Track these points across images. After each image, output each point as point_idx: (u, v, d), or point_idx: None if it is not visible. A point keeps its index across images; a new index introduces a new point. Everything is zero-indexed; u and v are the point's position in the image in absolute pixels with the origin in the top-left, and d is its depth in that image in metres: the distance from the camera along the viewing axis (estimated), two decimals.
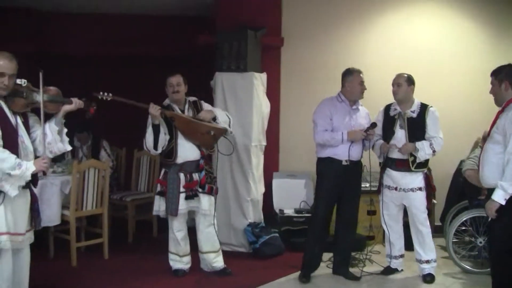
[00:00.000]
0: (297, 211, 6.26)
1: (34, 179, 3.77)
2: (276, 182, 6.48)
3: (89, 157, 6.49)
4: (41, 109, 3.72)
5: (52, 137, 3.85)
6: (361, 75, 4.97)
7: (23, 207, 3.76)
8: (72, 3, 7.24)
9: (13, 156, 3.54)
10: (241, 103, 5.83)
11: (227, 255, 5.72)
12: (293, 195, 6.47)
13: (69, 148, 4.02)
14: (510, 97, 3.88)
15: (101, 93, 4.51)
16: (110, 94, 4.53)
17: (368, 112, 5.16)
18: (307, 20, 6.60)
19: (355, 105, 5.04)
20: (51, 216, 5.20)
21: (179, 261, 5.13)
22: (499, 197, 3.75)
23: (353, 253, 5.52)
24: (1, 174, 3.51)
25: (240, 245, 5.90)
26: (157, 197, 5.07)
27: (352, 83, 4.95)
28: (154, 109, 4.68)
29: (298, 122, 6.53)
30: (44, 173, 3.85)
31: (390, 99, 5.09)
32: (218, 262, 5.16)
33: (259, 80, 5.89)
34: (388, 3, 6.76)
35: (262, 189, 6.13)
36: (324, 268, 5.27)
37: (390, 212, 5.13)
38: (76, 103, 3.96)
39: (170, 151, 4.92)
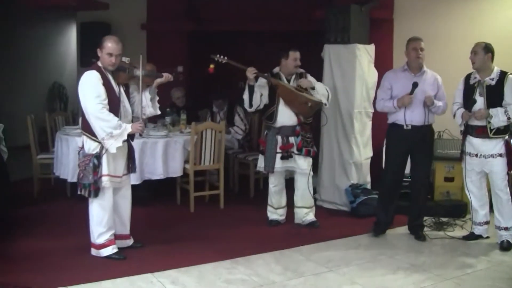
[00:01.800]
0: (407, 175, 6.49)
1: (131, 136, 4.77)
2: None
3: (226, 121, 7.47)
4: (140, 81, 4.71)
5: (145, 102, 4.84)
6: (416, 41, 5.21)
7: (121, 156, 4.77)
8: None
9: (116, 118, 4.55)
10: (345, 72, 6.24)
11: (330, 212, 6.40)
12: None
13: (158, 112, 5.02)
14: None
15: (218, 55, 5.36)
16: (226, 58, 5.34)
17: (438, 78, 5.33)
18: None
19: (419, 72, 5.23)
20: (175, 168, 6.27)
21: (274, 213, 5.83)
22: None
23: (448, 219, 5.74)
24: (104, 134, 4.51)
25: (342, 204, 6.38)
26: (260, 155, 5.81)
27: (407, 49, 5.25)
28: (249, 72, 5.34)
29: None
30: (140, 135, 4.86)
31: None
32: (308, 216, 5.76)
33: (364, 51, 6.22)
34: None
35: (369, 153, 6.49)
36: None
37: (472, 179, 5.22)
38: (166, 77, 4.91)
39: (271, 115, 5.58)
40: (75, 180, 5.23)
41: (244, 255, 4.90)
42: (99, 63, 4.66)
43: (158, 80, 4.91)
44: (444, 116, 5.46)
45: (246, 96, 5.51)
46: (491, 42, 5.18)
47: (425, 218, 5.73)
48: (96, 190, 4.61)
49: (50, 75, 10.66)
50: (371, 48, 6.34)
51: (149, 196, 6.60)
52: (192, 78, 8.30)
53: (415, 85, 5.15)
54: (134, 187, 6.01)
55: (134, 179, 5.95)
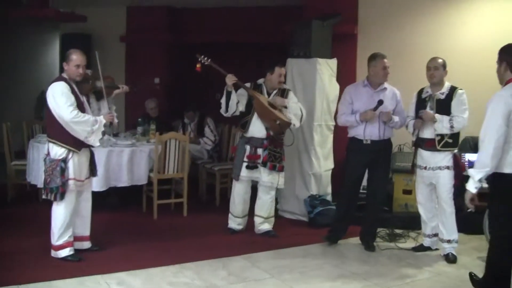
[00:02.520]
0: (363, 187, 6.64)
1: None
2: None
3: (196, 132, 7.69)
4: (103, 92, 5.07)
5: (104, 111, 5.09)
6: (384, 60, 5.33)
7: (85, 160, 5.04)
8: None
9: (89, 116, 4.86)
10: (306, 86, 6.43)
11: (289, 221, 6.57)
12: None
13: (116, 120, 5.21)
14: (508, 78, 3.92)
15: (202, 56, 5.61)
16: (209, 60, 5.58)
17: (396, 93, 5.51)
18: (383, 8, 6.91)
19: (379, 87, 5.38)
20: (140, 176, 6.50)
21: (233, 221, 5.99)
22: (469, 186, 3.92)
23: (403, 230, 5.90)
24: (86, 133, 4.80)
25: (301, 214, 6.54)
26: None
27: (375, 67, 5.35)
28: (229, 79, 5.54)
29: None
30: (111, 123, 5.13)
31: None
32: (263, 225, 5.93)
33: (325, 65, 6.40)
34: None
35: (329, 165, 6.65)
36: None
37: (422, 191, 5.38)
38: (123, 89, 5.34)
39: (245, 123, 5.78)
40: None
41: (193, 260, 5.06)
42: (64, 75, 4.91)
43: (117, 91, 5.28)
44: (405, 129, 5.61)
45: (223, 100, 5.69)
46: (448, 55, 5.41)
47: (379, 229, 5.89)
48: (63, 193, 4.85)
49: (38, 84, 10.91)
50: (333, 62, 6.52)
51: (117, 203, 6.82)
52: (168, 90, 8.50)
53: (380, 102, 5.31)
54: (102, 193, 6.34)
55: (99, 185, 6.22)
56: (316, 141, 6.45)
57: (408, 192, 6.42)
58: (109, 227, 6.07)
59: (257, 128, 5.71)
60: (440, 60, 5.23)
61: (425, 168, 5.26)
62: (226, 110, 5.72)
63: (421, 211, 5.45)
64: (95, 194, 6.30)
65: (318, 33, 6.37)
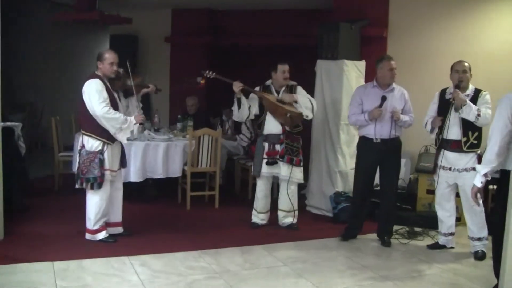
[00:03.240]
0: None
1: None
2: None
3: (233, 128, 8.07)
4: (133, 89, 5.51)
5: (132, 107, 5.53)
6: (391, 62, 5.58)
7: (117, 152, 5.50)
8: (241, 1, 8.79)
9: (121, 114, 5.30)
10: (334, 86, 6.66)
11: (315, 216, 6.85)
12: None
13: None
14: None
15: (207, 71, 5.99)
16: (214, 73, 5.95)
17: (404, 93, 5.72)
18: (413, 12, 7.04)
19: (388, 88, 5.60)
20: (174, 169, 6.92)
21: (256, 216, 6.30)
22: (476, 180, 4.12)
23: (424, 229, 6.05)
24: (115, 129, 5.24)
25: (327, 210, 6.77)
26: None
27: (382, 69, 5.59)
28: (235, 86, 5.87)
29: None
30: (142, 124, 5.62)
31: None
32: (287, 219, 6.21)
33: (352, 67, 6.61)
34: None
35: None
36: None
37: (442, 191, 5.50)
38: (152, 88, 5.79)
39: (260, 124, 6.10)
40: None
41: (215, 247, 5.42)
42: (98, 73, 5.37)
43: (145, 90, 5.72)
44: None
45: (235, 107, 6.02)
46: (472, 59, 5.55)
47: (399, 227, 6.08)
48: (100, 183, 5.31)
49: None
50: (361, 64, 6.73)
51: (155, 194, 7.32)
52: (209, 88, 8.85)
53: (383, 98, 5.53)
54: (142, 185, 6.95)
55: (137, 176, 6.70)
56: (342, 140, 6.66)
57: (432, 192, 6.48)
58: (144, 215, 6.54)
59: (272, 126, 5.99)
60: (466, 64, 5.36)
61: (450, 169, 5.36)
62: (239, 116, 6.06)
63: (438, 210, 5.59)
64: (135, 185, 6.87)
65: (346, 36, 6.59)
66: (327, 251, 5.50)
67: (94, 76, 5.35)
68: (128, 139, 5.64)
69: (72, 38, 9.64)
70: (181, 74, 8.87)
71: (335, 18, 7.11)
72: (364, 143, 5.75)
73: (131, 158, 6.64)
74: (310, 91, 6.47)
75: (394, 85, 5.71)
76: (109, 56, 5.33)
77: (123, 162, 5.64)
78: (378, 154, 5.64)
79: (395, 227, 6.05)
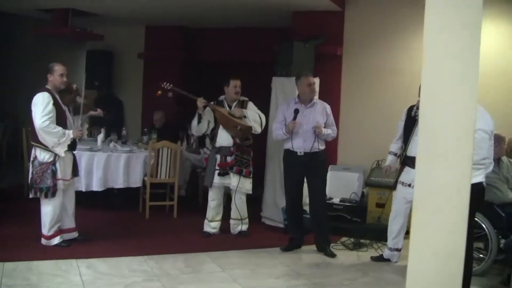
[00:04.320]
0: (342, 200, 7.08)
1: (73, 145, 5.73)
2: (331, 174, 7.31)
3: (197, 142, 8.38)
4: (80, 107, 5.81)
5: (76, 125, 5.85)
6: (309, 78, 5.93)
7: (69, 162, 5.76)
8: (213, 20, 9.11)
9: (60, 128, 5.53)
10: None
11: (268, 227, 7.06)
12: (346, 186, 7.27)
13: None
14: None
15: (165, 83, 6.37)
16: (171, 85, 6.36)
17: (326, 107, 6.03)
18: (368, 30, 7.33)
19: (310, 103, 5.92)
20: (135, 179, 7.23)
21: (208, 225, 6.58)
22: None
23: (370, 241, 6.29)
24: (53, 143, 5.50)
25: (279, 221, 7.01)
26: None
27: (301, 85, 5.95)
28: (199, 102, 6.24)
29: (357, 122, 7.37)
30: (79, 139, 5.84)
31: None
32: (238, 227, 6.52)
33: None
34: None
35: None
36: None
37: (400, 207, 5.62)
38: (98, 111, 6.09)
39: (213, 137, 6.43)
40: None
41: (162, 253, 5.69)
42: (48, 86, 5.65)
43: (92, 112, 6.05)
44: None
45: (195, 122, 6.36)
46: None
47: (345, 238, 6.35)
48: (54, 192, 5.59)
49: None
50: (315, 81, 7.01)
51: (119, 204, 7.60)
52: (178, 103, 9.13)
53: (296, 111, 5.85)
54: (108, 194, 7.23)
55: (99, 186, 6.99)
56: None
57: (381, 205, 6.77)
58: (104, 222, 6.84)
59: (224, 138, 6.33)
60: None
61: (409, 185, 5.43)
62: (197, 131, 6.44)
63: (392, 224, 5.70)
64: (100, 194, 7.15)
65: (300, 54, 6.88)
66: (269, 260, 5.75)
67: (44, 89, 5.61)
68: (91, 150, 5.96)
69: (52, 52, 9.97)
70: (153, 89, 9.16)
71: (293, 36, 7.41)
72: (290, 156, 6.03)
73: (94, 168, 6.95)
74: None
75: (316, 100, 6.04)
76: (58, 68, 5.64)
77: (75, 171, 5.91)
78: (302, 167, 5.92)
79: (343, 239, 6.32)
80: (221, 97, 6.50)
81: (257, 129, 6.36)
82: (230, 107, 6.41)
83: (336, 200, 7.13)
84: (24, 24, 9.14)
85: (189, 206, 7.65)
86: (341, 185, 7.32)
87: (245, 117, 6.32)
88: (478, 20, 3.49)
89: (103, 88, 9.48)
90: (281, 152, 6.93)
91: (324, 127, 5.93)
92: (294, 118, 5.84)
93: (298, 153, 5.92)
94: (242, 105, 6.42)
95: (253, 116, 6.35)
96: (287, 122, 5.94)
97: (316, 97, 6.17)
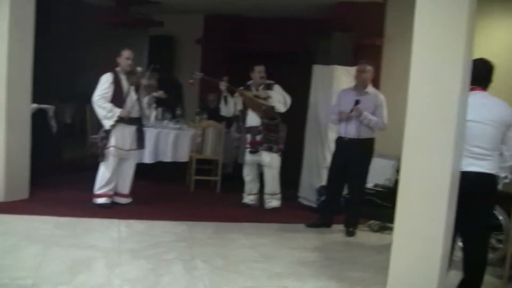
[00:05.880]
0: (375, 185, 7.43)
1: (139, 123, 6.59)
2: None
3: None
4: (141, 88, 6.48)
5: (130, 104, 6.48)
6: (361, 66, 6.25)
7: (128, 134, 6.48)
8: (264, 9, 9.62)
9: (110, 105, 6.29)
10: (325, 89, 7.34)
11: (302, 206, 7.51)
12: (380, 172, 7.59)
13: (151, 114, 7.15)
14: None
15: (196, 73, 7.05)
16: (202, 74, 7.04)
17: (378, 98, 6.30)
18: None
19: (363, 92, 6.24)
20: (182, 154, 7.89)
21: (246, 197, 7.20)
22: None
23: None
24: (102, 116, 6.30)
25: (313, 201, 7.44)
26: None
27: (356, 73, 6.29)
28: (221, 85, 6.86)
29: (394, 111, 7.60)
30: (127, 116, 6.41)
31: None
32: (271, 202, 7.05)
33: (342, 72, 7.23)
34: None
35: None
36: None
37: None
38: (159, 93, 6.73)
39: (243, 118, 6.99)
40: None
41: (196, 221, 6.29)
42: (117, 68, 6.41)
43: (154, 94, 6.65)
44: None
45: (222, 105, 7.00)
46: None
47: (373, 221, 6.68)
48: (103, 156, 6.36)
49: None
50: (352, 70, 7.36)
51: (167, 176, 8.32)
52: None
53: (356, 102, 6.15)
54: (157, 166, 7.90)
55: (149, 158, 7.67)
56: (330, 138, 7.27)
57: None
58: (151, 191, 7.56)
59: (252, 119, 6.89)
60: None
61: None
62: (226, 112, 7.04)
63: None
64: (151, 166, 7.84)
65: (338, 44, 7.27)
66: (292, 233, 6.20)
67: (111, 70, 6.40)
68: (145, 126, 6.66)
69: (119, 37, 10.80)
70: (210, 73, 9.79)
71: (337, 26, 7.77)
72: (337, 140, 6.43)
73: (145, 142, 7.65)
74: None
75: (370, 89, 6.29)
76: (125, 52, 6.43)
77: (139, 144, 6.62)
78: (346, 151, 6.27)
79: (370, 222, 6.67)
80: (249, 82, 7.07)
81: (281, 108, 6.85)
82: (257, 90, 6.94)
83: (369, 185, 7.46)
84: (94, 12, 9.93)
85: (233, 183, 8.18)
86: (376, 171, 7.62)
87: (269, 97, 6.83)
88: (463, 14, 3.81)
89: (164, 72, 10.16)
90: (318, 136, 7.43)
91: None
92: (352, 110, 6.10)
93: (344, 138, 6.26)
94: (268, 87, 6.94)
95: (276, 97, 6.86)
96: (342, 108, 6.25)
97: (370, 87, 6.38)
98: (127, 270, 4.55)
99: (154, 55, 9.86)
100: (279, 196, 7.08)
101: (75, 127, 11.46)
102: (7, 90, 6.27)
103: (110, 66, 6.46)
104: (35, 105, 7.09)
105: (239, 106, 6.98)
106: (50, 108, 7.75)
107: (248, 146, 6.95)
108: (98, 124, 8.45)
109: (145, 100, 6.59)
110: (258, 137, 6.88)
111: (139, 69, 6.57)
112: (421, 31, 4.00)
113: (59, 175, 7.93)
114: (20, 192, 6.50)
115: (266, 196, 7.08)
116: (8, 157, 6.34)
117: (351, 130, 6.20)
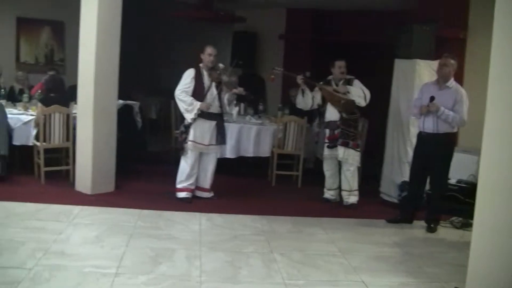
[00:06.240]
0: (458, 180, 7.23)
1: (219, 119, 6.73)
2: None
3: None
4: (222, 84, 6.63)
5: (210, 99, 6.64)
6: (442, 59, 6.11)
7: (207, 129, 6.63)
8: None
9: (190, 98, 6.50)
10: (407, 83, 7.22)
11: (383, 202, 7.47)
12: (464, 168, 7.38)
13: (232, 111, 7.18)
14: None
15: (276, 68, 7.15)
16: (282, 69, 7.14)
17: (460, 93, 6.10)
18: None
19: (444, 86, 6.10)
20: (264, 149, 8.02)
21: (326, 192, 7.25)
22: None
23: None
24: (183, 109, 6.52)
25: (395, 197, 7.36)
26: None
27: (438, 66, 6.14)
28: (298, 79, 6.90)
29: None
30: (206, 109, 6.56)
31: None
32: (348, 198, 7.03)
33: (425, 66, 7.06)
34: None
35: None
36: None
37: None
38: (239, 90, 6.75)
39: (323, 112, 7.04)
40: None
41: (276, 215, 6.42)
42: (200, 64, 6.63)
43: (235, 90, 6.74)
44: None
45: (299, 98, 7.03)
46: None
47: (456, 218, 6.54)
48: (182, 150, 6.62)
49: None
50: (435, 63, 7.20)
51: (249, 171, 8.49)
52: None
53: (431, 98, 6.03)
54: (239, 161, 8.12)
55: (231, 153, 7.86)
56: (412, 133, 7.17)
57: None
58: (233, 186, 7.73)
59: (331, 113, 6.89)
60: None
61: None
62: (303, 105, 7.03)
63: None
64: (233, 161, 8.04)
65: (420, 37, 7.11)
66: (371, 228, 6.20)
67: (194, 66, 6.63)
68: (227, 121, 6.85)
69: (204, 33, 11.11)
70: (292, 68, 9.88)
71: (419, 17, 7.62)
72: (419, 135, 6.34)
73: (227, 137, 7.83)
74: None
75: (451, 83, 6.12)
76: (208, 49, 6.62)
77: (220, 139, 6.76)
78: (426, 146, 6.18)
79: (453, 218, 6.53)
80: (329, 77, 7.07)
81: (361, 102, 6.82)
82: (337, 85, 6.93)
83: (452, 181, 7.29)
84: (179, 7, 10.22)
85: (315, 178, 8.22)
86: (459, 166, 7.43)
87: (349, 92, 6.81)
88: None
89: (247, 67, 10.37)
90: (400, 131, 7.34)
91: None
92: (428, 105, 6.02)
93: (423, 133, 6.20)
94: (348, 82, 6.92)
95: (356, 91, 6.82)
96: (424, 102, 6.15)
97: (452, 81, 6.20)
98: (206, 262, 4.73)
99: (237, 51, 10.05)
100: (356, 192, 7.06)
101: (160, 122, 11.89)
102: (95, 87, 6.58)
103: (194, 62, 6.68)
104: (121, 102, 7.44)
105: (318, 100, 7.01)
106: (135, 104, 8.11)
107: (326, 140, 6.97)
108: (181, 119, 8.81)
109: (226, 96, 6.73)
110: (336, 132, 6.90)
111: (221, 65, 6.71)
112: (501, 21, 3.89)
113: (143, 169, 8.31)
114: (106, 185, 6.86)
115: (343, 193, 7.07)
116: (95, 153, 6.69)
117: (429, 125, 6.10)
